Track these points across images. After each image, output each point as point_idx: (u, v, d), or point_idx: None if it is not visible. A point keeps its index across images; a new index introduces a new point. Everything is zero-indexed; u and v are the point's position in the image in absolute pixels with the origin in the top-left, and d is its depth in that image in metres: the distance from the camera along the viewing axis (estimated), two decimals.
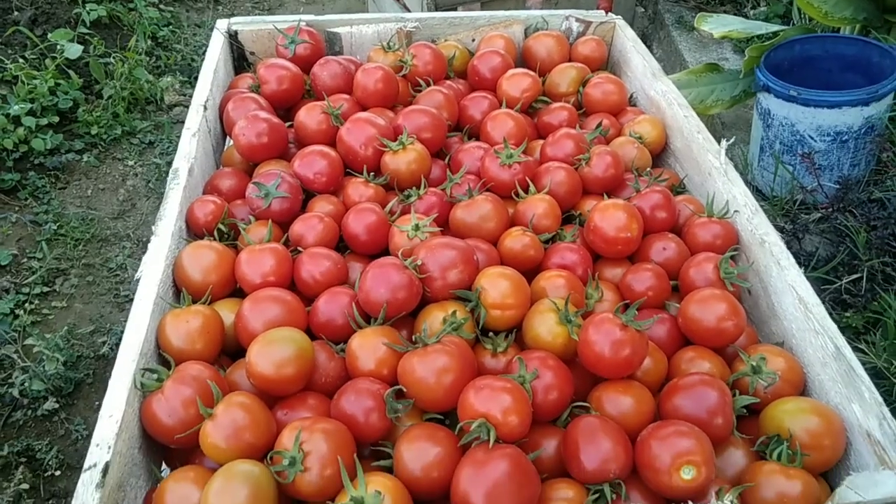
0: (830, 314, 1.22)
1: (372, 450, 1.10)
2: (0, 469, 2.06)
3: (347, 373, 1.16)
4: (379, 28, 1.94)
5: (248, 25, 1.93)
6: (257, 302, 1.20)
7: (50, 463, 2.09)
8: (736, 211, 1.41)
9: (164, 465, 1.14)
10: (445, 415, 1.12)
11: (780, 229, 2.27)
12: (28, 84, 3.18)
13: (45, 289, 2.62)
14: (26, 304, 2.53)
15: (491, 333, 1.23)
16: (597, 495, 1.00)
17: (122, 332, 1.14)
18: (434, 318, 1.19)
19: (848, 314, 2.01)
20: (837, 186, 2.42)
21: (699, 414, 1.05)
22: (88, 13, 3.64)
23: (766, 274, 1.30)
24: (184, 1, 4.50)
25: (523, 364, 1.10)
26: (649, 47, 3.53)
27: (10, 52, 3.41)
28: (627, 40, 1.94)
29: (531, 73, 1.78)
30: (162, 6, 4.23)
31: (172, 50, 3.98)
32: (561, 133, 1.58)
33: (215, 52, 1.83)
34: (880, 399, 1.06)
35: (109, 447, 0.97)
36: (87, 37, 3.57)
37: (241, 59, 1.97)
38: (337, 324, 1.21)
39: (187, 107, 1.74)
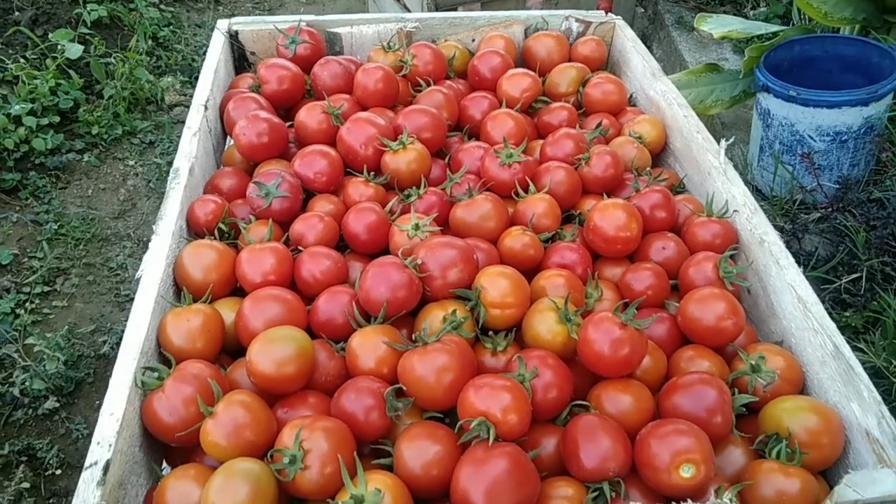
0: (830, 313, 1.22)
1: (372, 448, 1.10)
2: (1, 468, 2.06)
3: (347, 371, 1.17)
4: (379, 28, 1.94)
5: (249, 25, 1.93)
6: (258, 301, 1.20)
7: (51, 462, 2.09)
8: (735, 210, 1.41)
9: (164, 464, 1.14)
10: (445, 413, 1.12)
11: (780, 229, 2.27)
12: (29, 84, 3.18)
13: (46, 288, 2.62)
14: (27, 304, 2.54)
15: (491, 332, 1.23)
16: (596, 493, 1.00)
17: (123, 331, 1.14)
18: (434, 317, 1.20)
19: (847, 314, 2.01)
20: (837, 186, 2.42)
21: (698, 412, 1.05)
22: (89, 13, 3.65)
23: (766, 273, 1.31)
24: (184, 1, 4.50)
25: (523, 363, 1.11)
26: (649, 47, 3.54)
27: (10, 52, 3.41)
28: (627, 40, 1.95)
29: (531, 73, 1.78)
30: (162, 6, 4.23)
31: (173, 50, 3.98)
32: (561, 133, 1.59)
33: (216, 52, 1.83)
34: (879, 398, 1.06)
35: (110, 445, 0.98)
36: (87, 37, 3.57)
37: (241, 59, 1.98)
38: (337, 323, 1.21)
39: (188, 107, 1.74)
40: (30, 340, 2.36)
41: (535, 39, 1.93)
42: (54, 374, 2.27)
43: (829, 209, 2.31)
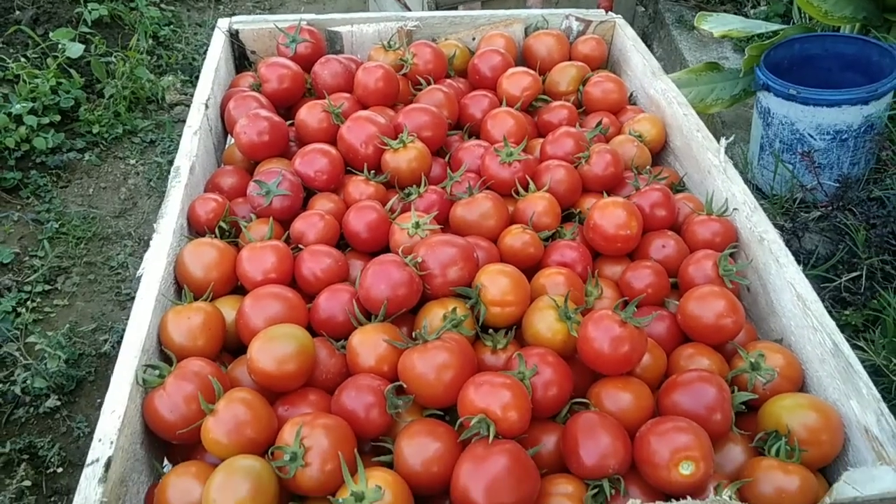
0: (830, 312, 1.22)
1: (372, 445, 1.11)
2: (2, 466, 2.07)
3: (348, 369, 1.17)
4: (380, 27, 1.94)
5: (250, 24, 1.94)
6: (258, 299, 1.21)
7: (52, 460, 2.10)
8: (735, 209, 1.42)
9: (165, 461, 1.14)
10: (445, 411, 1.12)
11: (780, 227, 2.27)
12: (30, 83, 3.18)
13: (47, 287, 2.63)
14: (28, 302, 2.54)
15: (491, 330, 1.23)
16: (596, 490, 1.00)
17: (124, 329, 1.15)
18: (434, 315, 1.20)
19: (847, 312, 2.01)
20: (837, 185, 2.42)
21: (698, 410, 1.05)
22: (90, 12, 3.65)
23: (765, 271, 1.31)
24: (185, 0, 4.50)
25: (523, 360, 1.11)
26: (649, 46, 3.54)
27: (11, 51, 3.42)
28: (627, 39, 1.95)
29: (531, 71, 1.78)
30: (163, 5, 4.24)
31: (173, 49, 3.99)
32: (561, 131, 1.59)
33: (216, 51, 1.84)
34: (878, 395, 1.06)
35: (112, 442, 0.98)
36: (88, 36, 3.57)
37: (242, 58, 1.98)
38: (337, 320, 1.21)
39: (188, 106, 1.74)
40: (31, 339, 2.36)
41: (536, 38, 1.93)
42: (55, 373, 2.27)
43: (829, 208, 2.31)
